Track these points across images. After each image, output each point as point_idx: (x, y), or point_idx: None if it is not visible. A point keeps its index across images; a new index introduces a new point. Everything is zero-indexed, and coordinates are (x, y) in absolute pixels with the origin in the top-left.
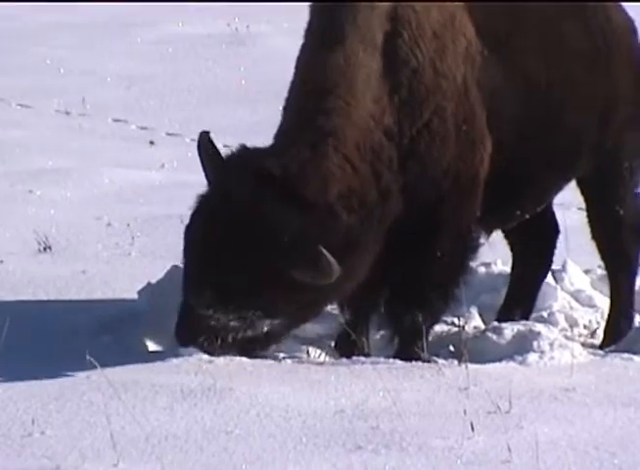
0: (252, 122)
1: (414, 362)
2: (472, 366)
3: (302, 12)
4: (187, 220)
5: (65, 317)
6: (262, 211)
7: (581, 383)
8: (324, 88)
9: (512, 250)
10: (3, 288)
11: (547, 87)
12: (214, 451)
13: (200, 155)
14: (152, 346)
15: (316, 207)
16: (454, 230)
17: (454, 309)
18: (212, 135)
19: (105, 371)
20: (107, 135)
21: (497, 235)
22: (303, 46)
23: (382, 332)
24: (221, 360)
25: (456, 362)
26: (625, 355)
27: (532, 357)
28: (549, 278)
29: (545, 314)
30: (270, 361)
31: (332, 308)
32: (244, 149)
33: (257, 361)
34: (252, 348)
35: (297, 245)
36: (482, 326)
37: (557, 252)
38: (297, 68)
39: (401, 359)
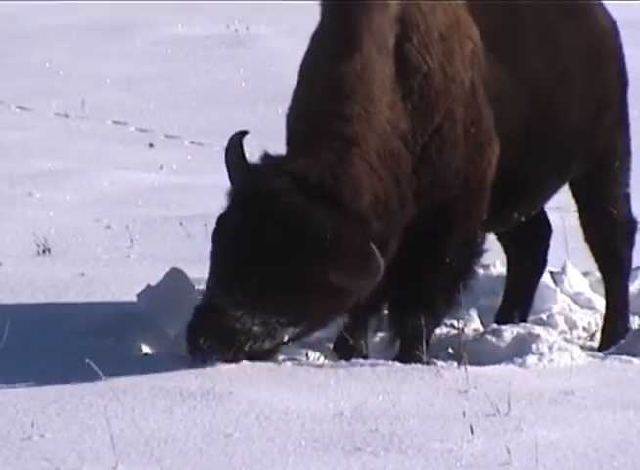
0: (252, 124)
1: (413, 365)
2: (471, 369)
3: (302, 14)
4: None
5: (64, 320)
6: (306, 214)
7: (580, 385)
8: (342, 94)
9: (506, 252)
10: (2, 290)
11: (548, 88)
12: (214, 454)
13: (227, 156)
14: (151, 348)
15: (352, 213)
16: (461, 235)
17: (453, 312)
18: (243, 138)
19: (104, 374)
20: (106, 137)
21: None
22: (315, 48)
23: (380, 334)
24: (221, 363)
25: (455, 365)
26: (625, 358)
27: (532, 360)
28: (548, 280)
29: (544, 317)
30: (269, 364)
31: None
32: (267, 155)
33: (257, 364)
34: (264, 353)
35: (344, 246)
36: (482, 329)
37: (556, 254)
38: (307, 71)
39: (402, 362)
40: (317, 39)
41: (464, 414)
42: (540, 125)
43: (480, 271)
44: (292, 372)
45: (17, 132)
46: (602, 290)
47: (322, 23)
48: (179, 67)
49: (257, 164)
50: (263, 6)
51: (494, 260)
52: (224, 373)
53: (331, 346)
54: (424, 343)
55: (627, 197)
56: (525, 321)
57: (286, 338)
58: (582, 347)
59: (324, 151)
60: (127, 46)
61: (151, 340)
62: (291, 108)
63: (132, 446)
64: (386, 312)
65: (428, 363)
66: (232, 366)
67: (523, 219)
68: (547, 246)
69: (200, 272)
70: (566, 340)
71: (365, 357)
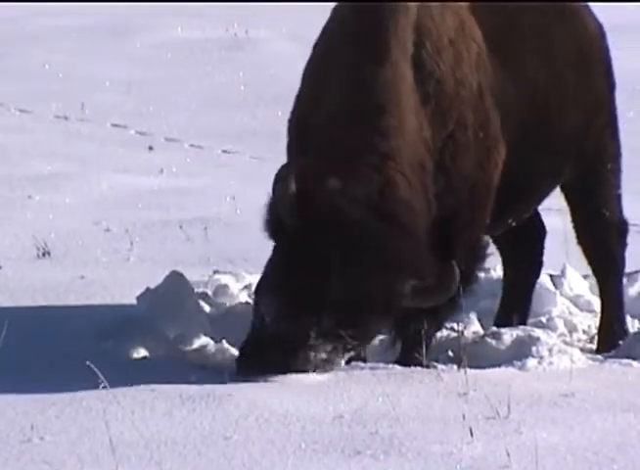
0: (251, 127)
1: (413, 368)
2: (471, 371)
3: (301, 17)
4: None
5: (63, 323)
6: (378, 238)
7: (580, 388)
8: (376, 106)
9: (501, 255)
10: (2, 293)
11: (544, 91)
12: (213, 457)
13: (276, 192)
14: (151, 351)
15: (414, 233)
16: (467, 239)
17: (455, 316)
18: (293, 175)
19: (104, 377)
20: (105, 140)
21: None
22: (328, 54)
23: (381, 337)
24: (220, 366)
25: (455, 367)
26: (624, 361)
27: (531, 363)
28: (548, 283)
29: (544, 320)
30: None
31: None
32: (304, 179)
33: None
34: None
35: (422, 265)
36: (481, 331)
37: (556, 257)
38: (321, 78)
39: (401, 365)
40: (330, 44)
41: (464, 417)
42: (537, 129)
43: (481, 274)
44: (291, 375)
45: (16, 135)
46: None
47: (338, 28)
48: (179, 70)
49: (306, 191)
50: (263, 9)
51: (494, 264)
52: (223, 376)
53: None
54: (424, 346)
55: (619, 198)
56: (524, 324)
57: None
58: (582, 349)
59: (365, 168)
60: (127, 49)
61: (150, 343)
62: (300, 115)
63: (132, 448)
64: None
65: (428, 366)
66: (232, 368)
67: (515, 223)
68: (542, 247)
69: (199, 275)
70: (565, 342)
71: (364, 360)
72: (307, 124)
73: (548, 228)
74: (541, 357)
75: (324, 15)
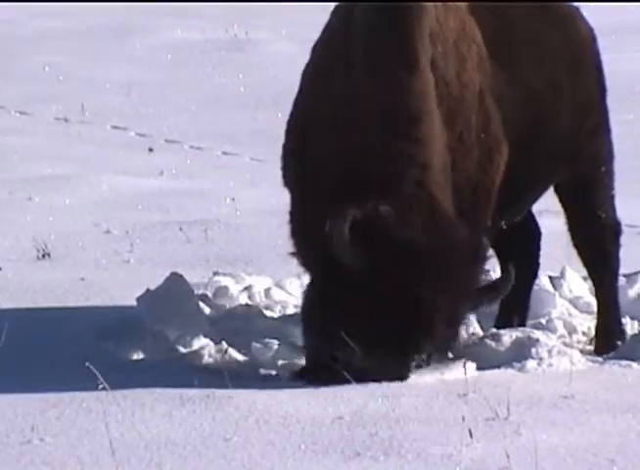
0: (252, 129)
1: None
2: (470, 373)
3: (301, 17)
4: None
5: (63, 324)
6: (444, 253)
7: (580, 390)
8: (409, 114)
9: (498, 257)
10: (2, 295)
11: (539, 92)
12: (213, 458)
13: (332, 240)
14: (150, 353)
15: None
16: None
17: None
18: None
19: (104, 378)
20: (105, 142)
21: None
22: (340, 57)
23: None
24: (220, 367)
25: (455, 369)
26: (624, 362)
27: (531, 364)
28: (548, 285)
29: (544, 321)
30: (269, 369)
31: None
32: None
33: (256, 368)
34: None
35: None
36: (481, 333)
37: (555, 259)
38: (332, 84)
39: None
40: (337, 47)
41: (463, 418)
42: (531, 131)
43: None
44: (291, 376)
45: (16, 137)
46: None
47: (352, 32)
48: (179, 71)
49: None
50: (263, 11)
51: (494, 265)
52: (223, 377)
53: None
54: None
55: (612, 199)
56: (523, 325)
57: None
58: (582, 351)
59: (406, 183)
60: (127, 51)
61: (150, 344)
62: (303, 119)
63: (132, 450)
64: None
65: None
66: (231, 370)
67: (506, 225)
68: (538, 248)
69: (199, 277)
70: (565, 344)
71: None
72: (311, 129)
73: (547, 230)
74: (541, 359)
75: (324, 16)
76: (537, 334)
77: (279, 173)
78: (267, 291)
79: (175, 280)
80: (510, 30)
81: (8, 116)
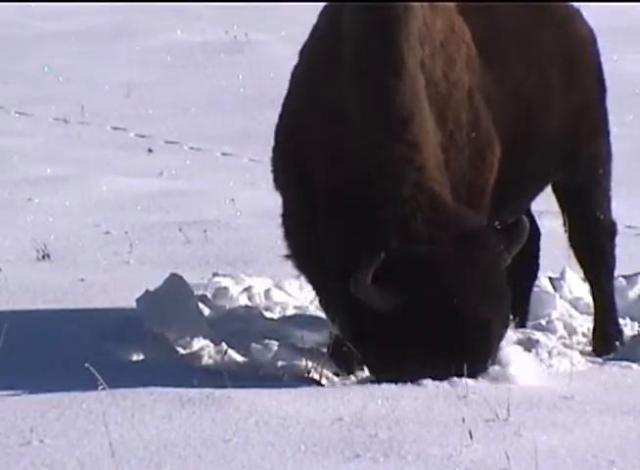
0: (251, 130)
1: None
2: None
3: (301, 19)
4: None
5: (63, 325)
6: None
7: (580, 391)
8: (399, 117)
9: None
10: (2, 296)
11: (528, 92)
12: (213, 460)
13: (357, 287)
14: (150, 354)
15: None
16: None
17: None
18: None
19: (103, 379)
20: (105, 143)
21: None
22: (329, 61)
23: None
24: (219, 368)
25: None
26: (624, 363)
27: (531, 365)
28: (548, 286)
29: (544, 322)
30: (268, 369)
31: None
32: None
33: (256, 369)
34: None
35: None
36: None
37: (555, 260)
38: (323, 88)
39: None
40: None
41: (463, 420)
42: (521, 130)
43: None
44: (291, 377)
45: (16, 138)
46: None
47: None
48: (178, 72)
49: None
50: (262, 12)
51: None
52: (223, 379)
53: (324, 350)
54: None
55: (609, 200)
56: (523, 326)
57: None
58: (582, 352)
59: (405, 187)
60: (126, 52)
61: (150, 345)
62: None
63: (131, 451)
64: None
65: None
66: (231, 371)
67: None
68: (538, 249)
69: (199, 278)
70: (565, 345)
71: (360, 362)
72: (300, 131)
73: (547, 231)
74: (541, 360)
75: None
76: (537, 335)
77: None
78: (267, 292)
79: (175, 281)
80: (500, 30)
81: (7, 116)
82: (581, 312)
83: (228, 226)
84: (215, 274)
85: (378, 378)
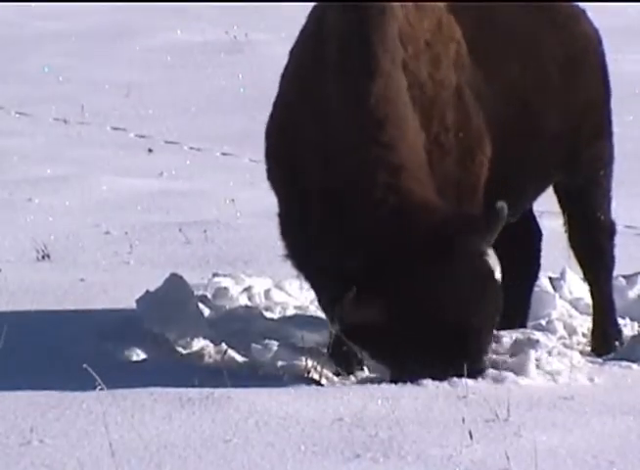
0: (251, 130)
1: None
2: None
3: (301, 19)
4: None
5: (63, 326)
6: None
7: (580, 391)
8: (377, 119)
9: (499, 258)
10: (2, 296)
11: (522, 91)
12: (213, 460)
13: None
14: (150, 354)
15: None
16: None
17: None
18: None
19: (103, 380)
20: (105, 143)
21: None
22: (313, 62)
23: None
24: (219, 368)
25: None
26: (624, 364)
27: (531, 365)
28: (548, 286)
29: (544, 322)
30: (268, 370)
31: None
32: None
33: (256, 369)
34: None
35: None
36: None
37: (555, 260)
38: (308, 89)
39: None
40: (316, 49)
41: (463, 420)
42: (514, 129)
43: None
44: (290, 378)
45: (16, 138)
46: None
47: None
48: (178, 72)
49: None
50: (262, 12)
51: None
52: (223, 379)
53: (324, 350)
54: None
55: (610, 201)
56: (524, 327)
57: None
58: (582, 352)
59: (377, 190)
60: (126, 52)
61: (150, 345)
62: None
63: (131, 452)
64: None
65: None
66: (231, 371)
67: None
68: (539, 249)
69: (199, 278)
70: (565, 345)
71: (360, 362)
72: (291, 131)
73: (548, 231)
74: (541, 360)
75: None
76: (537, 335)
77: None
78: (267, 292)
79: (175, 281)
80: (496, 28)
81: (7, 116)
82: (581, 312)
83: (228, 226)
84: (215, 274)
85: (379, 365)
